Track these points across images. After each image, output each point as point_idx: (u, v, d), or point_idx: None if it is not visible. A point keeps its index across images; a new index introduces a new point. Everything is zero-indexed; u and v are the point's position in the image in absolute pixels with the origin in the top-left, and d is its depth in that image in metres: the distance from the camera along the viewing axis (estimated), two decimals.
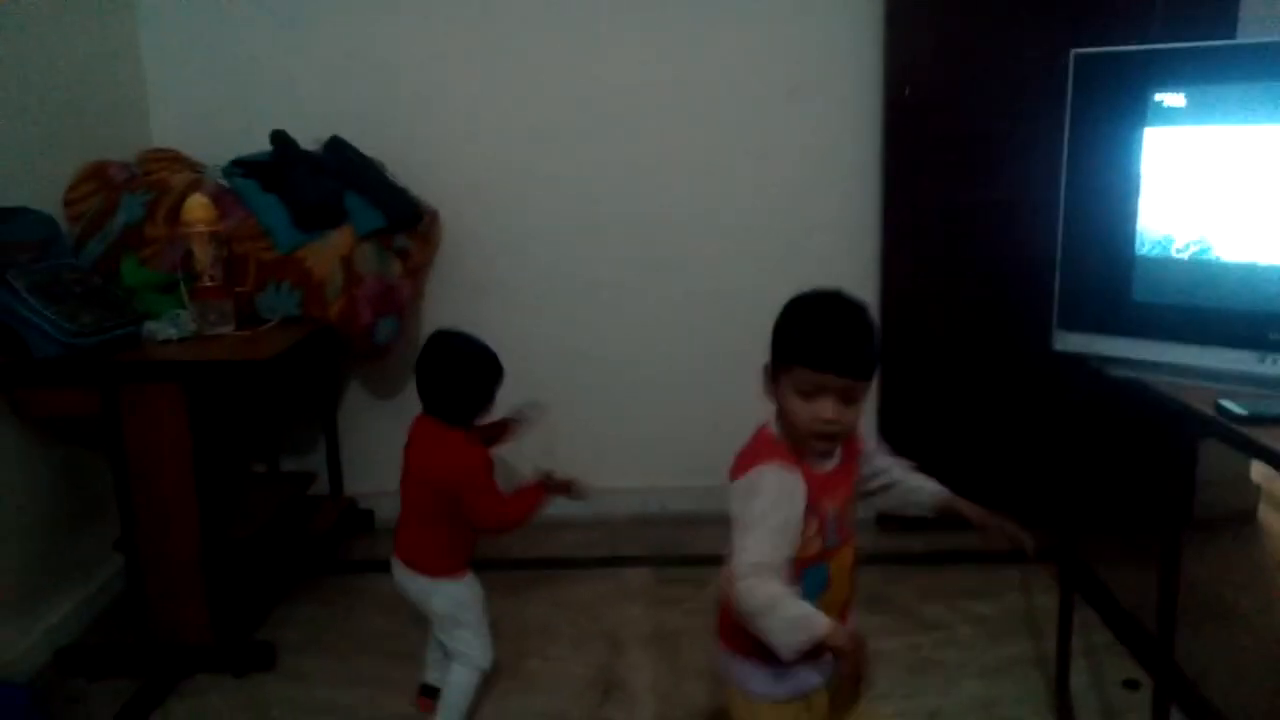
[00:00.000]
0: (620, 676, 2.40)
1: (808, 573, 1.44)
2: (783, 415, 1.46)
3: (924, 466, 3.08)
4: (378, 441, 3.23)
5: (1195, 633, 2.45)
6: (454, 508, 2.01)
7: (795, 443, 1.44)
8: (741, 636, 1.43)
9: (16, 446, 2.44)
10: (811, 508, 1.41)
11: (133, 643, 2.46)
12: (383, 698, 2.34)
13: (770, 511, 1.37)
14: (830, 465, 1.48)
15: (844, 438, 1.47)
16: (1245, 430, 1.46)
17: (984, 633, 2.56)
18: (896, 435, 3.11)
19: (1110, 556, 2.76)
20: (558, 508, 3.15)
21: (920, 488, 1.68)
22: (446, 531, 2.05)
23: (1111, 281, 1.78)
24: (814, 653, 1.35)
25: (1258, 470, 3.16)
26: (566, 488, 2.11)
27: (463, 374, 2.03)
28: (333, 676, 2.43)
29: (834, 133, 3.04)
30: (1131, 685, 2.30)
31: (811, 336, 1.42)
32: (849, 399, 1.40)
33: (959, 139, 2.92)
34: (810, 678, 1.51)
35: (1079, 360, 1.83)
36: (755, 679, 1.51)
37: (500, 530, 2.09)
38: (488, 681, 2.21)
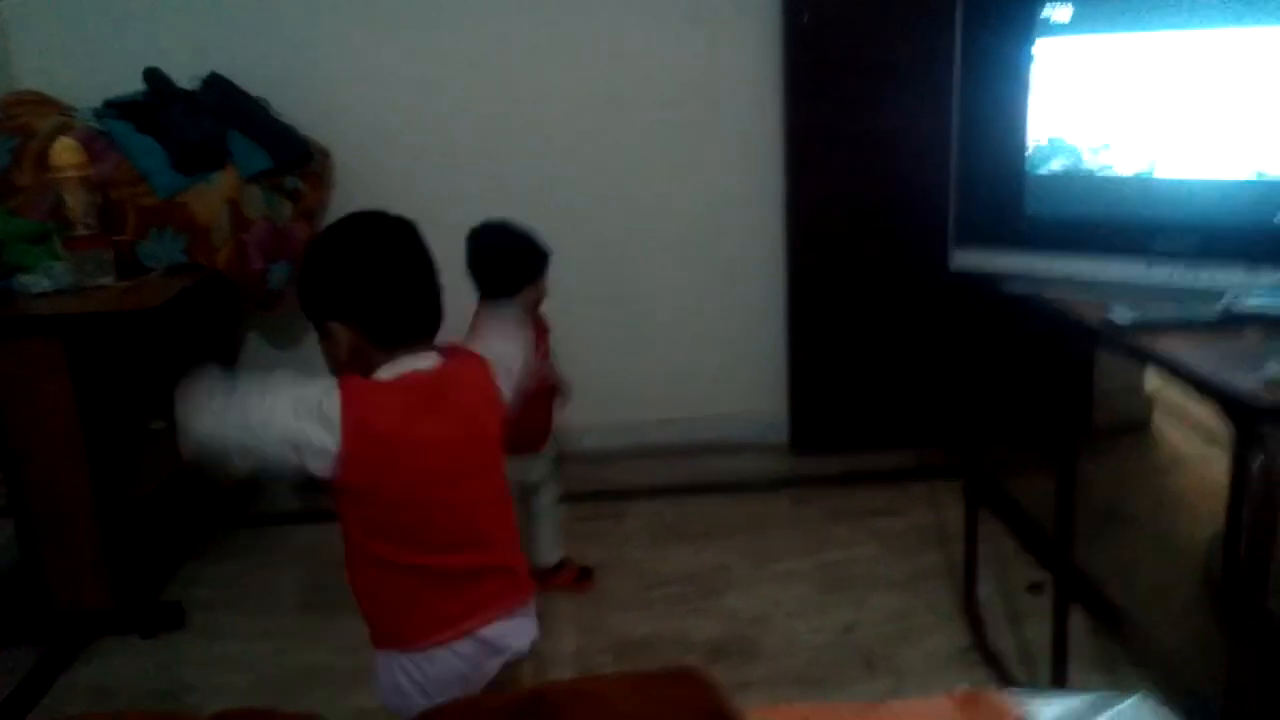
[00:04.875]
0: (541, 610, 2.39)
1: None
2: None
3: (833, 390, 3.16)
4: None
5: (1094, 537, 2.55)
6: None
7: None
8: None
9: None
10: None
11: (32, 609, 2.37)
12: (298, 649, 2.30)
13: None
14: None
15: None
16: (1131, 337, 1.49)
17: (894, 548, 2.62)
18: (805, 360, 3.15)
19: (1015, 469, 2.85)
20: None
21: None
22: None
23: (1004, 197, 1.79)
24: None
25: (1150, 381, 3.28)
26: None
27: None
28: (246, 631, 2.38)
29: (735, 60, 3.00)
30: (1036, 589, 2.38)
31: None
32: None
33: (860, 66, 2.89)
34: None
35: (975, 278, 1.85)
36: None
37: None
38: None
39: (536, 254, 2.19)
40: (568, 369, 3.18)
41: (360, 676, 2.17)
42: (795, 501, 2.91)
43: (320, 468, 1.26)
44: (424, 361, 1.34)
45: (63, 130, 2.47)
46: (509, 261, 2.16)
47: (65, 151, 2.32)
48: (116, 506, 2.34)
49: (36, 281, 2.31)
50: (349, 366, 1.33)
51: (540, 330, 2.27)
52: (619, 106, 3.01)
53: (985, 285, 1.85)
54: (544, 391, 2.30)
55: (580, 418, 3.28)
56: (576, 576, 2.50)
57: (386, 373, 1.32)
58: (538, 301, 2.23)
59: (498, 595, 1.39)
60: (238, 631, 2.39)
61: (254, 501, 3.02)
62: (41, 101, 2.69)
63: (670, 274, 3.17)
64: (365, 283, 1.31)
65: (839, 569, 2.53)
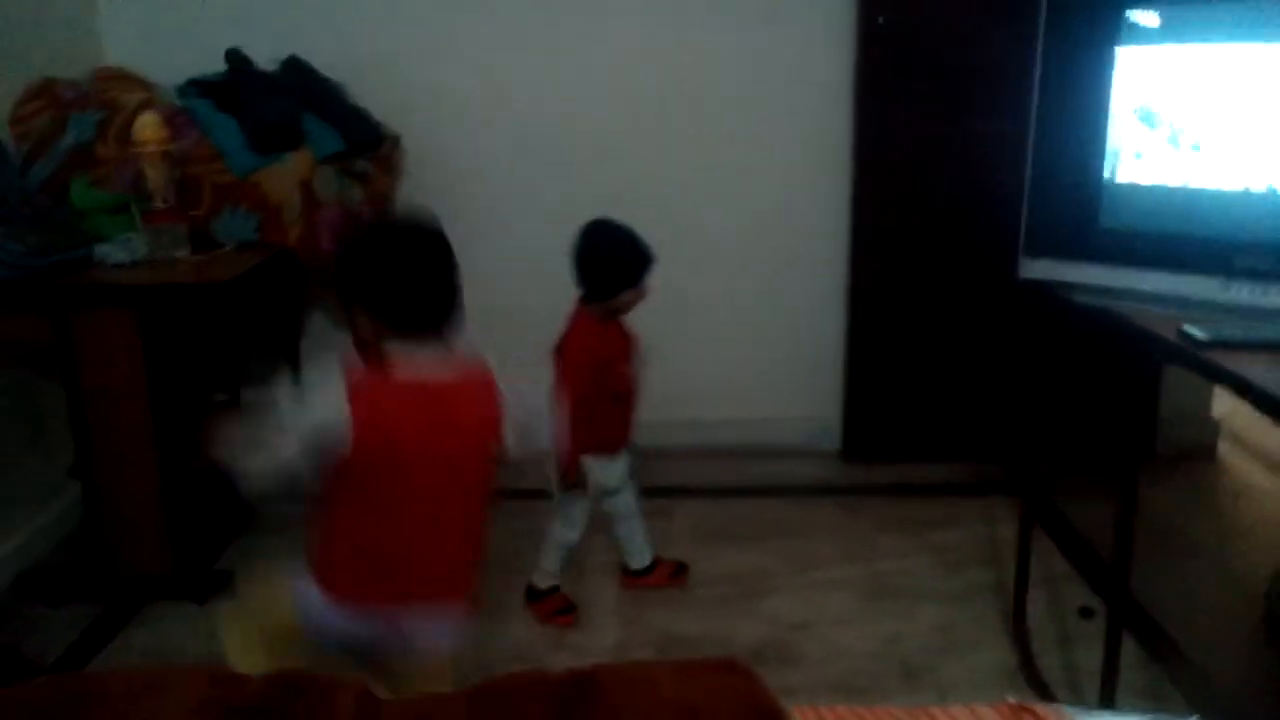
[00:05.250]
0: (584, 602, 2.41)
1: None
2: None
3: (889, 398, 3.12)
4: None
5: (1152, 564, 2.49)
6: None
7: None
8: None
9: None
10: None
11: (92, 569, 2.43)
12: None
13: None
14: None
15: None
16: (1207, 355, 1.45)
17: (944, 562, 2.59)
18: (863, 366, 3.12)
19: (1071, 488, 2.79)
20: None
21: None
22: None
23: (1079, 207, 1.76)
24: None
25: (1218, 406, 3.19)
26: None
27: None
28: None
29: (805, 58, 2.98)
30: (1086, 613, 2.34)
31: None
32: None
33: (935, 69, 2.86)
34: None
35: (1045, 289, 1.81)
36: None
37: None
38: None
39: (638, 258, 2.19)
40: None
41: None
42: (845, 509, 2.88)
43: (338, 433, 1.38)
44: (438, 369, 1.47)
45: (146, 106, 2.53)
46: (609, 263, 2.18)
47: (148, 127, 2.38)
48: (178, 475, 2.40)
49: (114, 252, 2.37)
50: (370, 346, 1.47)
51: (626, 336, 2.28)
52: (686, 101, 3.01)
53: (1053, 297, 1.81)
54: (626, 395, 2.30)
55: None
56: (672, 572, 2.50)
57: (401, 367, 1.45)
58: (633, 304, 2.24)
59: (424, 593, 1.51)
60: None
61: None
62: (127, 78, 2.76)
63: (728, 273, 3.16)
64: (382, 279, 1.46)
65: (886, 579, 2.50)
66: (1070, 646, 2.22)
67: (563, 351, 2.22)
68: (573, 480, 2.24)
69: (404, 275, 1.45)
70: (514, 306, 3.12)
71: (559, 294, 3.09)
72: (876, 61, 2.89)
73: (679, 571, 2.51)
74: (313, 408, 1.40)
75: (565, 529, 2.33)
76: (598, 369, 2.20)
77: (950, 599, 2.42)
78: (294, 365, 3.13)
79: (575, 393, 2.13)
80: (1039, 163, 1.77)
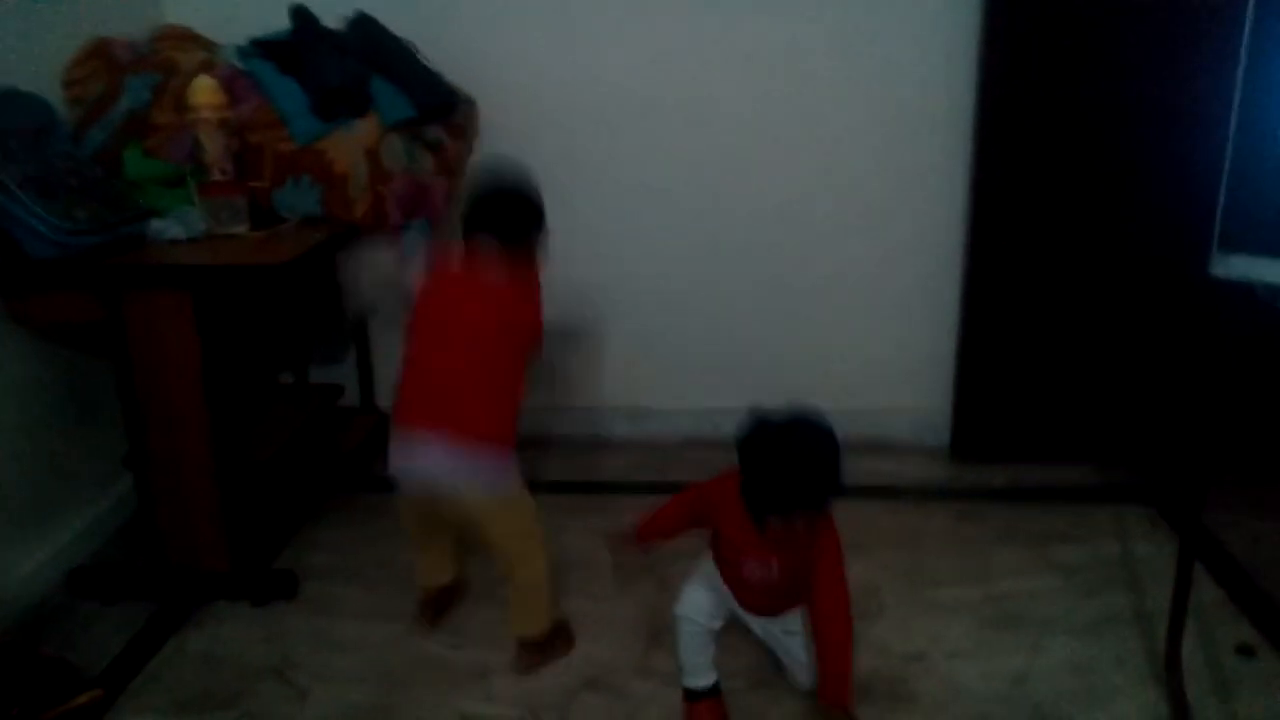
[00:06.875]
0: (669, 621, 2.17)
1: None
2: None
3: (1005, 389, 2.81)
4: None
5: None
6: None
7: None
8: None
9: (17, 354, 2.24)
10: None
11: (147, 566, 2.30)
12: (410, 637, 2.16)
13: None
14: None
15: None
16: None
17: (1075, 584, 2.30)
18: (976, 354, 2.81)
19: (1227, 506, 2.48)
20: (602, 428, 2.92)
21: None
22: None
23: None
24: None
25: None
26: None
27: None
28: (359, 608, 2.26)
29: (923, 10, 2.64)
30: (1245, 652, 2.04)
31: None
32: None
33: (1085, 20, 2.47)
34: None
35: (1242, 291, 1.50)
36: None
37: None
38: None
39: (814, 483, 1.62)
40: (718, 347, 2.94)
41: (471, 676, 2.03)
42: (957, 517, 2.60)
43: (409, 288, 1.97)
44: (489, 270, 1.91)
45: (205, 68, 2.35)
46: (769, 479, 1.62)
47: (203, 91, 2.19)
48: (236, 468, 2.24)
49: (169, 228, 2.20)
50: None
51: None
52: (790, 61, 2.71)
53: (1253, 298, 1.50)
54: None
55: (726, 400, 3.04)
56: None
57: (463, 264, 1.95)
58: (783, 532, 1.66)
59: (449, 423, 1.86)
60: (351, 608, 2.26)
61: (374, 466, 2.90)
62: (188, 37, 2.59)
63: (831, 252, 2.87)
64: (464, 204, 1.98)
65: (1009, 604, 2.23)
66: (1230, 692, 1.93)
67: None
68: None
69: (472, 201, 1.96)
70: (592, 287, 2.90)
71: (638, 279, 2.87)
72: (1009, 8, 2.52)
73: None
74: (409, 265, 2.00)
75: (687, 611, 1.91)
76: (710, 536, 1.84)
77: (1084, 630, 2.13)
78: (362, 346, 2.96)
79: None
80: (1243, 140, 1.45)
